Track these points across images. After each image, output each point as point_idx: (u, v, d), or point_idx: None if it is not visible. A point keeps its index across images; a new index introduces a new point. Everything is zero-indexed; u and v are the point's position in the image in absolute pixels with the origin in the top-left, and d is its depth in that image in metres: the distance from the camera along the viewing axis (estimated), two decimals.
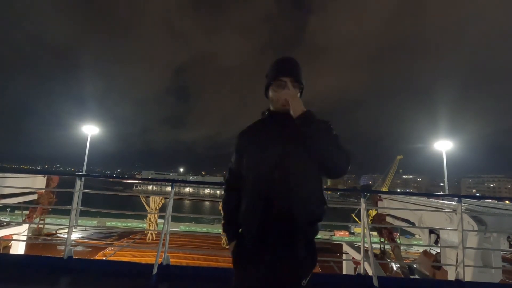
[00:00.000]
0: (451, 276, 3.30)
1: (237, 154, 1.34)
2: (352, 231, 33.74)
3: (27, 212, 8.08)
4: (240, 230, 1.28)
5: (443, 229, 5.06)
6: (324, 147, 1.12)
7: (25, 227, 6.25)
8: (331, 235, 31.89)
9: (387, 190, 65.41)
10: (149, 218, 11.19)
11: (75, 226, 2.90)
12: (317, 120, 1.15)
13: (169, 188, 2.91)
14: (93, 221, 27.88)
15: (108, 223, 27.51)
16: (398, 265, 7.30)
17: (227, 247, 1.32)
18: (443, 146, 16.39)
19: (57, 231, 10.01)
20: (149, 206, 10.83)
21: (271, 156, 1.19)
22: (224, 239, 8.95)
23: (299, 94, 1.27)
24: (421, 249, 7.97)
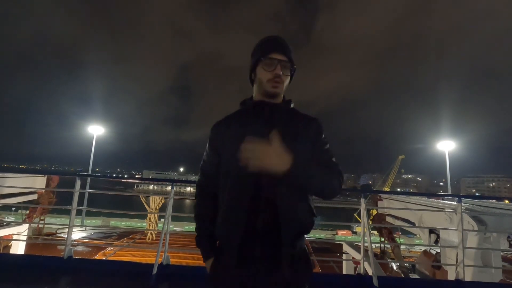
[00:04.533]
0: (451, 276, 3.30)
1: (212, 151, 1.11)
2: (354, 231, 33.84)
3: (27, 212, 8.09)
4: (217, 243, 1.06)
5: (443, 229, 5.07)
6: (319, 185, 0.92)
7: (25, 227, 6.26)
8: (334, 235, 31.95)
9: (388, 190, 65.43)
10: (149, 218, 11.19)
11: (75, 226, 2.90)
12: (307, 168, 0.90)
13: (169, 188, 2.90)
14: (97, 221, 27.95)
15: (112, 223, 27.60)
16: (398, 265, 7.31)
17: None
18: (446, 146, 16.52)
19: (57, 231, 10.02)
20: (149, 206, 10.83)
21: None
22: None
23: (288, 79, 1.05)
24: (422, 249, 7.98)
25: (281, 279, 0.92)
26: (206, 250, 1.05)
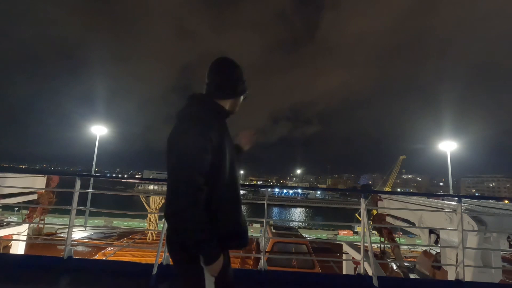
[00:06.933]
0: (451, 276, 3.30)
1: (209, 150, 1.13)
2: (356, 230, 33.83)
3: (27, 212, 8.07)
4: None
5: (443, 229, 5.06)
6: None
7: (25, 227, 6.24)
8: (335, 235, 31.92)
9: (389, 190, 65.05)
10: (149, 218, 11.17)
11: (75, 226, 2.90)
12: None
13: None
14: (99, 221, 27.95)
15: (114, 223, 27.62)
16: (398, 265, 7.30)
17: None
18: (448, 146, 16.51)
19: (57, 231, 10.01)
20: (149, 206, 10.81)
21: (238, 160, 1.36)
22: None
23: None
24: (422, 249, 7.98)
25: None
26: (217, 250, 1.14)
